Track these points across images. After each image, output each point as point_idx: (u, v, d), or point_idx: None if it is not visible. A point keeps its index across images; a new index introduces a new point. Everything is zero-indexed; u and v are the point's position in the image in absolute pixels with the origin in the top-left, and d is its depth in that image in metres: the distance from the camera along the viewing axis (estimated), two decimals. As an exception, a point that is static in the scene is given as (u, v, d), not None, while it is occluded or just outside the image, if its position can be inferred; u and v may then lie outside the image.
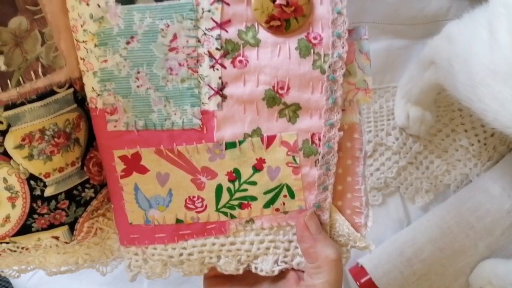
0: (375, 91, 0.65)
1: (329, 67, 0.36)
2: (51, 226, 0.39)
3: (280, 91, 0.36)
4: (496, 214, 0.61)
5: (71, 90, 0.38)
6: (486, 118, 0.46)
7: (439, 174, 0.66)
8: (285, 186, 0.39)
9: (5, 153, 0.36)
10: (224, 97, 0.36)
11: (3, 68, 0.33)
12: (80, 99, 0.38)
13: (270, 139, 0.37)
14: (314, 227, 0.39)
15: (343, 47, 0.36)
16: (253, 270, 0.41)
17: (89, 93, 0.38)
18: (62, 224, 0.39)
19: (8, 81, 0.34)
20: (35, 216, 0.38)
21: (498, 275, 0.58)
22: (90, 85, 0.37)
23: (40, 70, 0.35)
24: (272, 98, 0.36)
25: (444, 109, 0.65)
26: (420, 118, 0.62)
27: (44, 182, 0.37)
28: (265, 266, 0.41)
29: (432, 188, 0.66)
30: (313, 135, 0.37)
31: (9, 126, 0.35)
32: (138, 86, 0.37)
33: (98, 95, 0.37)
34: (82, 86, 0.38)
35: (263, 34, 0.36)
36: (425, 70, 0.57)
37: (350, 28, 0.37)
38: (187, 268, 0.41)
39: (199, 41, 0.36)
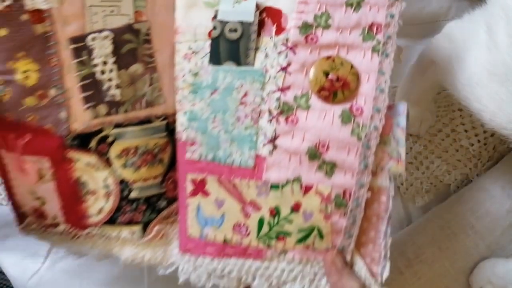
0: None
1: (365, 136, 0.43)
2: (130, 223, 0.50)
3: (320, 149, 0.44)
4: (496, 214, 0.60)
5: (165, 122, 0.49)
6: (483, 118, 0.46)
7: (439, 174, 0.66)
8: (316, 229, 0.45)
9: (108, 160, 0.48)
10: (275, 146, 0.45)
11: (118, 98, 0.46)
12: (171, 130, 0.50)
13: (308, 188, 0.45)
14: (340, 264, 0.45)
15: (380, 121, 0.43)
16: None
17: (178, 127, 0.48)
18: (138, 222, 0.50)
19: (120, 108, 0.47)
20: (120, 212, 0.50)
21: (498, 275, 0.57)
22: (180, 121, 0.48)
23: (144, 104, 0.47)
24: (314, 154, 0.44)
25: (444, 109, 0.65)
26: (419, 117, 0.62)
27: (131, 187, 0.49)
28: None
29: (432, 188, 0.66)
30: (345, 190, 0.44)
31: (114, 140, 0.47)
32: (213, 128, 0.46)
33: (185, 129, 0.48)
34: (175, 120, 0.49)
35: (314, 101, 0.44)
36: (425, 69, 0.58)
37: (391, 104, 0.43)
38: (226, 283, 0.49)
39: (263, 99, 0.45)
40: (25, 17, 0.44)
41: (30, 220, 0.52)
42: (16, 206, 0.52)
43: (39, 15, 0.44)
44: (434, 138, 0.66)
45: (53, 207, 0.50)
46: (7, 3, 0.43)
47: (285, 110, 0.44)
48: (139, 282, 0.67)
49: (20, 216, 0.52)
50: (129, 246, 0.52)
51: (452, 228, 0.61)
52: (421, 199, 0.67)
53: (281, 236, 0.46)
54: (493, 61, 0.44)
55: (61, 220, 0.51)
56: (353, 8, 0.44)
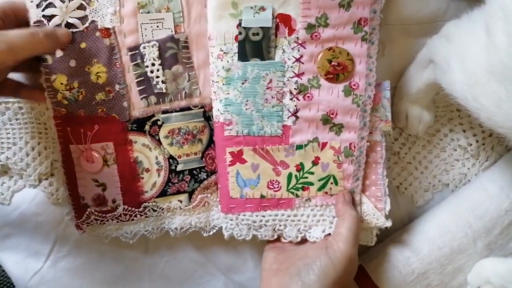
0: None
1: (362, 103, 0.59)
2: (178, 192, 0.62)
3: (331, 116, 0.59)
4: (494, 213, 0.61)
5: (202, 110, 0.62)
6: (480, 117, 0.47)
7: (437, 174, 0.67)
8: (332, 176, 0.60)
9: (158, 140, 0.60)
10: (297, 117, 0.59)
11: (164, 90, 0.59)
12: (207, 116, 0.62)
13: (324, 145, 0.60)
14: (347, 197, 0.60)
15: (372, 91, 0.59)
16: (308, 238, 0.61)
17: (215, 112, 0.61)
18: (184, 192, 0.62)
19: (166, 99, 0.60)
20: (170, 184, 0.62)
21: (496, 274, 0.58)
22: (217, 107, 0.61)
23: (183, 95, 0.60)
24: (326, 120, 0.59)
25: (442, 109, 0.66)
26: (418, 117, 0.63)
27: (177, 161, 0.61)
28: (315, 234, 0.61)
29: (431, 188, 0.67)
30: (350, 144, 0.60)
31: (163, 123, 0.60)
32: (246, 109, 0.59)
33: (221, 114, 0.60)
34: (210, 108, 0.61)
35: (323, 81, 0.59)
36: (423, 69, 0.60)
37: (379, 82, 0.60)
38: (263, 232, 0.61)
39: (284, 84, 0.59)
40: (98, 33, 0.57)
41: (90, 211, 0.62)
42: (77, 200, 0.61)
43: (107, 31, 0.58)
44: (432, 138, 0.67)
45: (114, 190, 0.61)
46: (86, 25, 0.57)
47: (302, 90, 0.59)
48: (140, 281, 0.71)
49: (80, 209, 0.62)
50: (178, 215, 0.63)
51: (450, 227, 0.62)
52: (420, 198, 0.68)
53: (306, 186, 0.60)
54: (492, 60, 0.45)
55: (120, 203, 0.61)
56: (345, 8, 0.58)
